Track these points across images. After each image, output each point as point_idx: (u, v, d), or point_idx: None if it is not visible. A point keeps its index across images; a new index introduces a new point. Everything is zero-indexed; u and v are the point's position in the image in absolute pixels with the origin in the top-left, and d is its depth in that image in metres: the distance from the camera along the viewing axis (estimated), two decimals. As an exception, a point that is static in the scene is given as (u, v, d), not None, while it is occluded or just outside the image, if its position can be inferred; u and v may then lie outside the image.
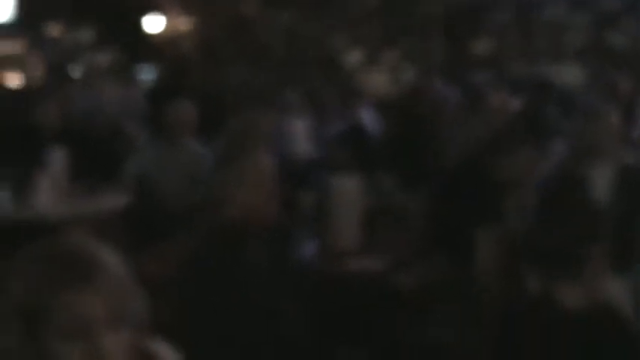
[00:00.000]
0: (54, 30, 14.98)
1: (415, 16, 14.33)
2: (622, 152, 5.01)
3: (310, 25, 14.54)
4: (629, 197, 4.70)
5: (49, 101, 7.88)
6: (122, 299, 1.85)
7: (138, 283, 1.91)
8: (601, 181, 4.73)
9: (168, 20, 15.56)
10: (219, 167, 4.58)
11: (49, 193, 6.53)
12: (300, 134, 7.90)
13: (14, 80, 13.14)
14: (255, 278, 3.69)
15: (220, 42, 14.61)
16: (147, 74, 13.13)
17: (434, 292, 4.64)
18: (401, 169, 6.73)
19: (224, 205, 3.83)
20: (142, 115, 9.19)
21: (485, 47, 13.64)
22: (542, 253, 3.09)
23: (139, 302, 1.91)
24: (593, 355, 2.93)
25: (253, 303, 3.63)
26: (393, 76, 11.56)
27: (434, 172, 5.99)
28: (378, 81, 11.25)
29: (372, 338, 4.59)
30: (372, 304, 4.66)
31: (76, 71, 13.27)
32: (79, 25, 14.88)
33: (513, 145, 4.99)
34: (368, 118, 8.32)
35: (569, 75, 10.50)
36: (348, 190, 5.24)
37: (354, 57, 13.48)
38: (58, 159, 6.74)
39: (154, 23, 15.50)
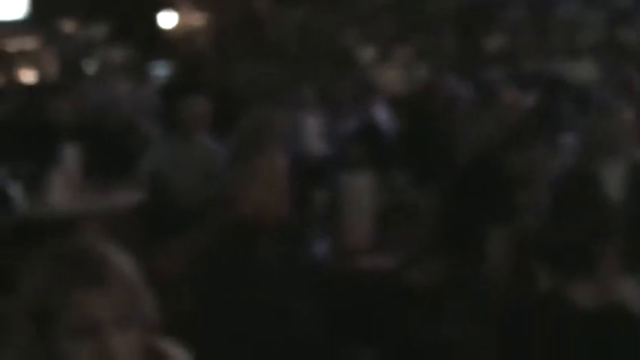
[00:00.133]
0: (68, 26, 15.00)
1: (428, 12, 14.31)
2: (635, 149, 4.99)
3: (323, 20, 14.52)
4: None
5: (63, 97, 7.91)
6: (132, 299, 1.86)
7: (149, 282, 1.92)
8: (614, 178, 4.72)
9: (182, 16, 15.57)
10: (232, 164, 4.60)
11: (63, 189, 6.56)
12: (313, 131, 7.89)
13: (28, 76, 13.18)
14: (266, 276, 3.70)
15: (234, 38, 14.61)
16: (160, 70, 13.14)
17: (446, 290, 4.64)
18: (413, 165, 6.72)
19: (236, 202, 3.84)
20: (155, 112, 9.19)
21: (499, 43, 13.59)
22: (554, 251, 3.07)
23: (149, 302, 1.92)
24: (605, 354, 2.92)
25: (265, 301, 3.63)
26: (406, 72, 11.53)
27: (446, 169, 5.98)
28: (391, 77, 11.23)
29: (384, 336, 4.59)
30: (384, 302, 4.66)
31: (90, 67, 13.29)
32: (93, 21, 14.90)
33: (526, 141, 4.97)
34: (381, 115, 8.31)
35: (583, 71, 10.45)
36: (361, 188, 5.23)
37: (366, 53, 13.45)
38: (71, 155, 6.76)
39: (167, 19, 15.52)
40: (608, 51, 11.94)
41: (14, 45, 13.81)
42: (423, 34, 13.91)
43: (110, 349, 1.82)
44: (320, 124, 8.04)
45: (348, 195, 5.18)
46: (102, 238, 1.94)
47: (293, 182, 3.95)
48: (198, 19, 15.63)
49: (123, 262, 1.89)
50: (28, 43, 13.94)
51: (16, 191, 6.24)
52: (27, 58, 13.53)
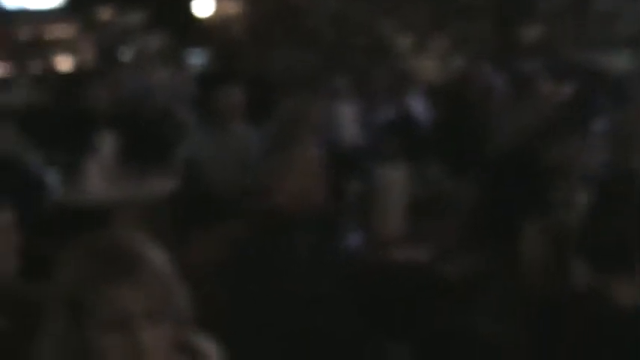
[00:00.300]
0: (104, 14, 15.08)
1: (465, 2, 14.22)
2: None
3: (359, 9, 14.48)
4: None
5: (99, 85, 7.95)
6: (164, 294, 1.87)
7: (182, 275, 1.93)
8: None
9: (218, 4, 15.59)
10: (268, 154, 4.60)
11: (99, 176, 6.61)
12: (349, 120, 7.88)
13: (65, 64, 13.26)
14: (299, 267, 3.70)
15: (269, 26, 14.61)
16: (196, 58, 13.18)
17: (479, 283, 4.62)
18: (448, 156, 6.69)
19: (271, 192, 3.85)
20: (191, 99, 9.23)
21: (536, 34, 13.51)
22: (595, 247, 3.02)
23: (182, 297, 1.93)
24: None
25: (297, 292, 3.64)
26: (442, 62, 11.50)
27: (481, 161, 5.95)
28: (427, 67, 11.20)
29: (416, 328, 4.58)
30: (417, 294, 4.65)
31: (126, 55, 13.36)
32: (130, 8, 14.96)
33: (563, 133, 4.94)
34: (416, 106, 8.28)
35: (620, 62, 10.38)
36: (395, 180, 5.22)
37: (402, 42, 13.41)
38: (108, 142, 6.81)
39: (203, 7, 15.54)
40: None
41: (51, 33, 13.90)
42: (459, 24, 13.84)
43: (141, 343, 1.83)
44: (355, 112, 8.03)
45: (383, 188, 5.17)
46: (136, 228, 1.96)
47: (328, 173, 3.95)
48: (234, 7, 15.65)
49: (156, 256, 1.90)
50: (64, 31, 14.02)
51: (52, 179, 6.28)
52: (64, 46, 13.62)
